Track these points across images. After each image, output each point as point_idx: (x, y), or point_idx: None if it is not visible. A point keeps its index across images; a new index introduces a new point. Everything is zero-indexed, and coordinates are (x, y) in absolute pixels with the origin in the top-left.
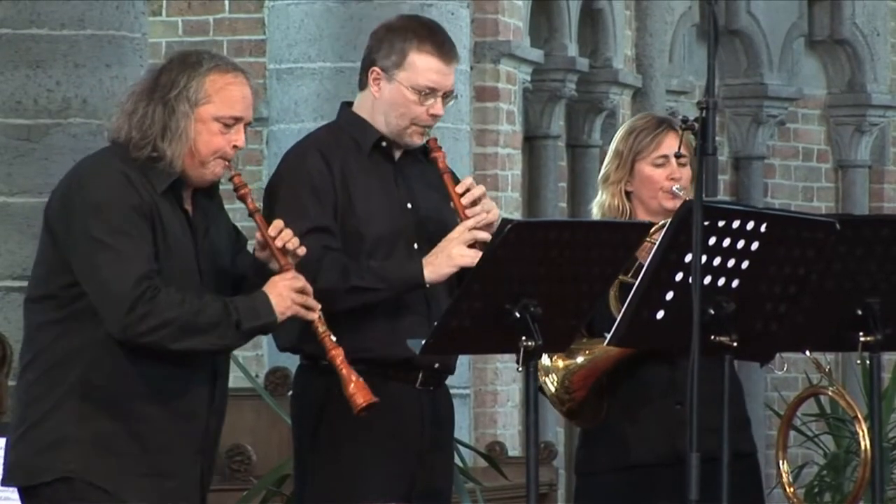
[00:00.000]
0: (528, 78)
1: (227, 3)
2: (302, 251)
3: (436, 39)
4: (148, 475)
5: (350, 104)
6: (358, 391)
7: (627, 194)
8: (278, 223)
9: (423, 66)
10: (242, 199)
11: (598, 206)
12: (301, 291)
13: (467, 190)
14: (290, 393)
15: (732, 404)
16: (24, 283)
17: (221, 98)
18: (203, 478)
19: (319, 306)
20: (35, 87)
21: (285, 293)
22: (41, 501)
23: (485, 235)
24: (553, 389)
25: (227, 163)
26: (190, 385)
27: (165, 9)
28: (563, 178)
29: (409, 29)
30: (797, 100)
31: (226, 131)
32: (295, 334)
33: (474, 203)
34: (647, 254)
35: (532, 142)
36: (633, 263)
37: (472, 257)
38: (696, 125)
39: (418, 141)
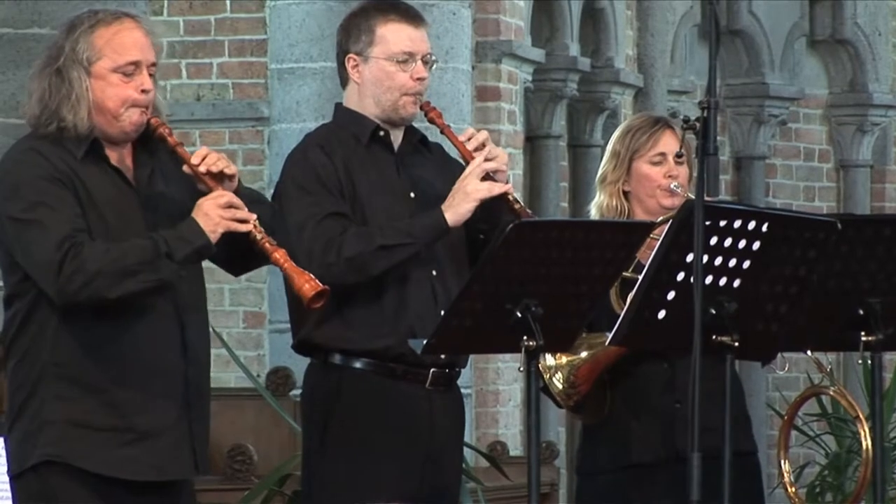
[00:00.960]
0: (530, 78)
1: (228, 2)
2: (232, 170)
3: (398, 8)
4: (131, 444)
5: (342, 104)
6: (305, 282)
7: (625, 194)
8: (202, 150)
9: (392, 34)
10: (161, 138)
11: (597, 206)
12: (228, 206)
13: (471, 139)
14: (299, 392)
15: (732, 403)
16: None
17: (112, 49)
18: (193, 432)
19: (254, 216)
20: None
21: (211, 212)
22: (24, 487)
23: (495, 165)
24: (560, 387)
25: (142, 109)
26: (155, 340)
27: (167, 8)
28: (565, 178)
29: (369, 8)
30: (799, 99)
31: (129, 80)
32: (310, 327)
33: (479, 149)
34: (647, 252)
35: (533, 142)
36: (634, 263)
37: (488, 189)
38: (698, 125)
39: (413, 110)
